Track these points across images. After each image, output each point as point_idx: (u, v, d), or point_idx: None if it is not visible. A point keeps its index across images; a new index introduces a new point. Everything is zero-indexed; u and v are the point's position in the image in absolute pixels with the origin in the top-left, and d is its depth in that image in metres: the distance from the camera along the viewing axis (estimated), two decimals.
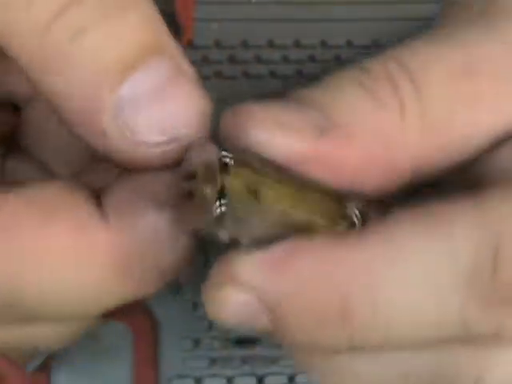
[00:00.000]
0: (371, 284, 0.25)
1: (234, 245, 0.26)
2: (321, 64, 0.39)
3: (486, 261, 0.26)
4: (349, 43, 0.39)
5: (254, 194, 0.25)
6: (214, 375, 0.42)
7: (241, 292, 0.26)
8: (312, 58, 0.39)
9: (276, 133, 0.26)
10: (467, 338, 0.26)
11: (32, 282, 0.26)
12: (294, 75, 0.39)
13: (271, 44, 0.38)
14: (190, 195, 0.26)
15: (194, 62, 0.39)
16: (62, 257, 0.26)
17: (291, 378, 0.42)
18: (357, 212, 0.27)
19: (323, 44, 0.38)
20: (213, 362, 0.42)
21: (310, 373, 0.29)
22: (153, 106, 0.26)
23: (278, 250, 0.26)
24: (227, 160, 0.25)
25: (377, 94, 0.27)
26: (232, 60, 0.38)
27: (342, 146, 0.26)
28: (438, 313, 0.26)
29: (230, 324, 0.27)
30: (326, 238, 0.26)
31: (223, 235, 0.26)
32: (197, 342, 0.42)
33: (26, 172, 0.31)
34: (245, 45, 0.38)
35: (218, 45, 0.38)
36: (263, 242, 0.26)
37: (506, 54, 0.28)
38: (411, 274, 0.26)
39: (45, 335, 0.29)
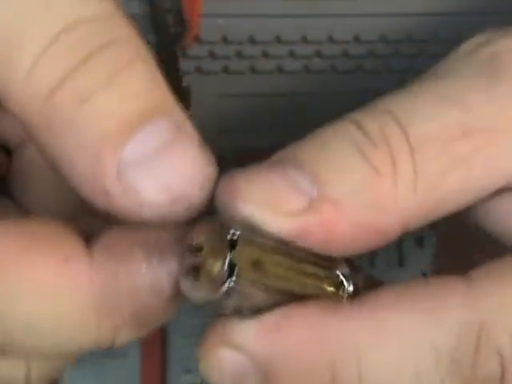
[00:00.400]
0: (357, 353, 0.26)
1: (233, 312, 0.27)
2: (328, 59, 0.39)
3: (468, 345, 0.27)
4: (356, 38, 0.39)
5: (259, 268, 0.26)
6: None
7: (235, 354, 0.26)
8: (319, 54, 0.39)
9: (264, 212, 0.26)
10: None
11: (12, 313, 0.26)
12: (301, 70, 0.39)
13: (278, 39, 0.38)
14: (195, 268, 0.26)
15: (200, 58, 0.39)
16: (42, 288, 0.26)
17: None
18: (344, 276, 0.28)
19: (330, 39, 0.38)
20: None
21: None
22: (155, 167, 0.26)
23: (272, 317, 0.26)
24: (234, 237, 0.26)
25: (371, 160, 0.27)
26: (239, 55, 0.38)
27: (331, 219, 0.27)
28: None
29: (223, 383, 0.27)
30: (316, 307, 0.27)
31: (227, 307, 0.26)
32: None
33: (11, 216, 0.31)
34: (252, 40, 0.38)
35: (224, 40, 0.38)
36: (260, 308, 0.26)
37: (502, 113, 0.29)
38: (393, 349, 0.27)
39: (16, 371, 0.29)
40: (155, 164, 0.26)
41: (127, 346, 0.41)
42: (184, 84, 0.38)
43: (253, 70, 0.39)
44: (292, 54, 0.39)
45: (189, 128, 0.27)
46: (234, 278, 0.25)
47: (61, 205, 0.31)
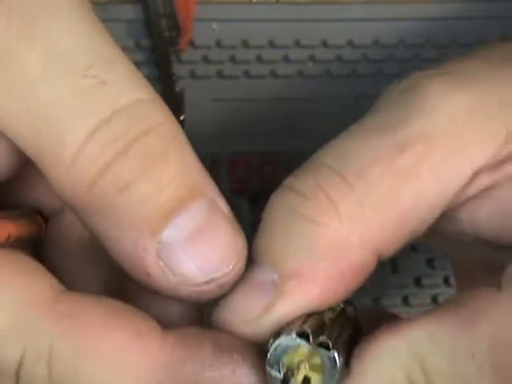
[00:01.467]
0: None
1: None
2: (321, 64, 0.39)
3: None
4: (349, 43, 0.39)
5: None
6: None
7: None
8: (312, 58, 0.39)
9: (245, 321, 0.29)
10: None
11: (84, 375, 0.27)
12: (295, 75, 0.39)
13: (272, 44, 0.38)
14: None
15: (194, 62, 0.39)
16: (116, 356, 0.27)
17: None
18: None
19: (324, 44, 0.38)
20: None
21: None
22: (192, 249, 0.27)
23: None
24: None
25: (308, 214, 0.28)
26: (232, 60, 0.38)
27: (302, 291, 0.28)
28: None
29: None
30: None
31: None
32: None
33: None
34: (245, 45, 0.38)
35: (218, 45, 0.38)
36: None
37: (432, 123, 0.29)
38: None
39: None
40: (191, 246, 0.27)
41: None
42: (178, 88, 0.38)
43: (247, 75, 0.39)
44: (286, 59, 0.39)
45: (221, 204, 0.28)
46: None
47: (93, 279, 0.32)
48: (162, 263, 0.27)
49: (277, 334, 0.28)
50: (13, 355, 0.27)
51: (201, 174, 0.28)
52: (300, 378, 0.28)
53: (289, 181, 0.30)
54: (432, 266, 0.44)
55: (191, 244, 0.27)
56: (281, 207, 0.29)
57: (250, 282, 0.29)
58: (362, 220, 0.28)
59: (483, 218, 0.30)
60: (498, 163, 0.30)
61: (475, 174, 0.29)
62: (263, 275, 0.29)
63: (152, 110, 0.28)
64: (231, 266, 0.28)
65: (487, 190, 0.30)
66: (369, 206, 0.29)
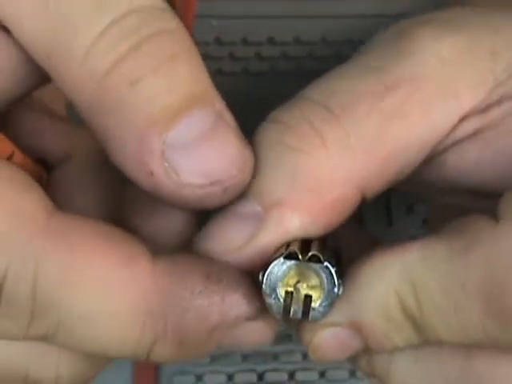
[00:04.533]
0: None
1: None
2: (321, 60, 0.39)
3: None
4: (349, 40, 0.39)
5: None
6: (215, 372, 0.42)
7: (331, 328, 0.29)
8: (312, 55, 0.39)
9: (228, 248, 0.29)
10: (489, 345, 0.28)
11: (71, 301, 0.27)
12: (294, 72, 0.39)
13: (271, 41, 0.38)
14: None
15: None
16: (104, 280, 0.27)
17: (291, 375, 0.42)
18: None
19: (323, 40, 0.38)
20: (213, 358, 0.42)
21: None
22: (197, 151, 0.27)
23: None
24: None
25: (293, 143, 0.29)
26: (232, 56, 0.38)
27: (284, 219, 0.28)
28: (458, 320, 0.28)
29: (335, 357, 0.30)
30: None
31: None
32: None
33: None
34: (245, 41, 0.38)
35: (218, 41, 0.38)
36: None
37: (419, 65, 0.29)
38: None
39: (48, 368, 0.30)
40: (196, 148, 0.27)
41: None
42: None
43: (246, 71, 0.39)
44: (285, 55, 0.39)
45: (228, 117, 0.28)
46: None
47: None
48: (166, 163, 0.27)
49: (265, 265, 0.28)
50: None
51: (210, 85, 0.28)
52: (301, 297, 0.28)
53: (273, 113, 0.30)
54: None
55: (197, 146, 0.27)
56: (264, 138, 0.29)
57: (233, 213, 0.29)
58: (349, 153, 0.28)
59: (469, 162, 0.30)
60: (487, 107, 0.30)
61: (463, 118, 0.29)
62: (246, 207, 0.29)
63: (167, 15, 0.28)
64: (237, 171, 0.28)
65: (475, 134, 0.30)
66: (355, 139, 0.28)
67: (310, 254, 0.28)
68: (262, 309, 0.29)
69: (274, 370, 0.42)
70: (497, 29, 0.30)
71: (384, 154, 0.29)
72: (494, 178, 0.30)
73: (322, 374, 0.43)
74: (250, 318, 0.29)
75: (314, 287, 0.28)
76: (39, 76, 0.29)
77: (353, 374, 0.43)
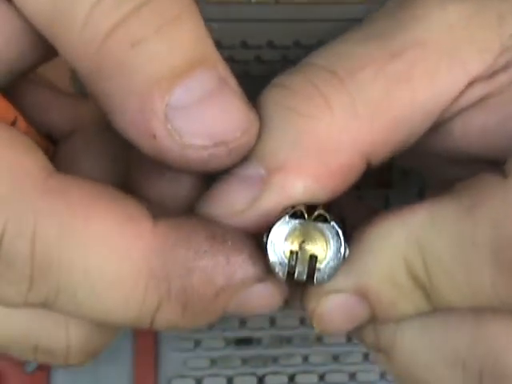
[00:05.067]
0: None
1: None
2: None
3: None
4: None
5: None
6: (214, 375, 0.42)
7: (337, 295, 0.29)
8: None
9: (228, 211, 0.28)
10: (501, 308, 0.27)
11: (71, 262, 0.26)
12: None
13: (271, 44, 0.38)
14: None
15: None
16: (104, 240, 0.26)
17: (291, 378, 0.42)
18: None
19: (322, 44, 0.38)
20: (213, 362, 0.42)
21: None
22: (200, 112, 0.27)
23: None
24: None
25: (297, 108, 0.28)
26: (232, 60, 0.38)
27: (287, 183, 0.28)
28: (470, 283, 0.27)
29: (340, 328, 0.29)
30: None
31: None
32: (197, 343, 0.42)
33: None
34: (244, 45, 0.38)
35: (217, 45, 0.38)
36: None
37: (425, 32, 0.29)
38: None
39: (57, 337, 0.30)
40: (200, 110, 0.27)
41: (119, 351, 0.41)
42: None
43: (246, 75, 0.39)
44: (285, 59, 0.39)
45: (232, 82, 0.28)
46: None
47: None
48: (169, 125, 0.27)
49: (270, 228, 0.27)
50: None
51: (213, 48, 0.28)
52: (306, 257, 0.27)
53: (278, 78, 0.30)
54: None
55: (201, 108, 0.27)
56: (268, 102, 0.29)
57: (235, 176, 0.29)
58: (354, 116, 0.28)
59: (475, 129, 0.30)
60: (493, 74, 0.29)
61: (470, 84, 0.29)
62: (249, 170, 0.28)
63: None
64: (242, 132, 0.27)
65: (480, 100, 0.29)
66: (361, 103, 0.28)
67: (316, 213, 0.27)
68: (269, 272, 0.28)
69: (273, 373, 0.42)
70: None
71: (389, 119, 0.28)
72: (499, 145, 0.29)
73: (322, 377, 0.43)
74: (256, 281, 0.28)
75: (319, 249, 0.27)
76: (43, 48, 0.28)
77: (353, 376, 0.43)
